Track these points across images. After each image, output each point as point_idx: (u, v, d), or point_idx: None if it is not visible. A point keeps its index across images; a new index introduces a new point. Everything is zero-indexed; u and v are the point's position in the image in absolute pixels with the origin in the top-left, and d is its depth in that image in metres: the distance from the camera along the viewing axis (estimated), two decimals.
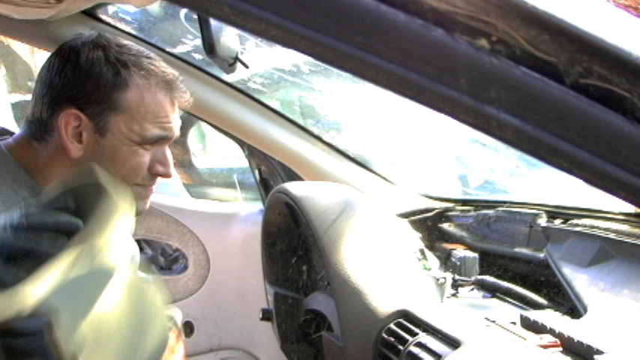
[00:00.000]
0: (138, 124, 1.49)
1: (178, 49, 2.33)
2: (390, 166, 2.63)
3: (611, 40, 0.57)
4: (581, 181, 0.60)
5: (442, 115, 0.60)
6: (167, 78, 1.48)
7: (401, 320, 1.41)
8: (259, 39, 1.36)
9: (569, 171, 0.59)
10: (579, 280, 1.57)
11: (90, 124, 1.47)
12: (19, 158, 1.51)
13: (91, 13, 1.92)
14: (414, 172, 2.76)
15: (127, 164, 1.51)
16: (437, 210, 2.27)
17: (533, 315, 1.40)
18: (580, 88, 0.56)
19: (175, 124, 1.55)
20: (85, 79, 1.45)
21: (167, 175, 1.59)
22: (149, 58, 1.50)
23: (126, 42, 1.51)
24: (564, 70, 0.56)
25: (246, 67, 1.33)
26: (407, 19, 0.56)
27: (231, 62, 1.31)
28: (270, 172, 2.48)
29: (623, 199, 0.61)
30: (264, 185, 2.53)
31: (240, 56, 1.31)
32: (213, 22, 1.22)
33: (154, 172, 1.56)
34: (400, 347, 1.36)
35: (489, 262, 1.90)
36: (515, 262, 1.87)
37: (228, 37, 1.25)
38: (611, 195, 0.61)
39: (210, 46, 1.21)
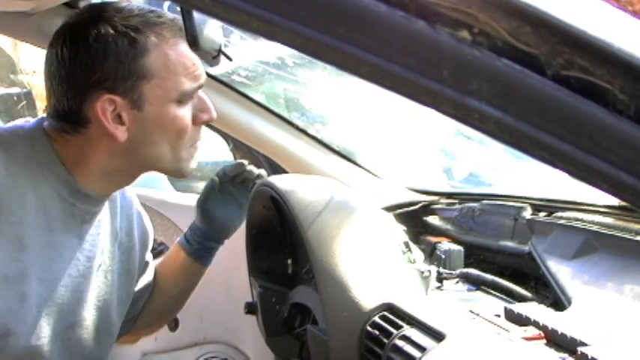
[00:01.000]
0: (172, 82, 1.46)
1: None
2: (375, 159, 2.63)
3: (593, 32, 0.57)
4: (563, 173, 0.60)
5: (424, 107, 0.60)
6: (180, 24, 1.43)
7: (385, 313, 1.41)
8: (243, 31, 1.36)
9: (552, 163, 0.59)
10: (563, 272, 1.57)
11: (125, 102, 1.43)
12: (58, 153, 1.49)
13: (73, 5, 1.91)
14: (398, 165, 2.76)
15: (173, 128, 1.49)
16: (422, 203, 2.27)
17: (518, 307, 1.41)
18: (561, 80, 0.57)
19: (202, 68, 1.53)
20: (103, 59, 1.41)
21: (211, 119, 1.57)
22: (153, 11, 1.47)
23: (122, 4, 1.47)
24: (546, 62, 0.56)
25: (230, 59, 1.33)
26: (388, 11, 0.56)
27: (214, 55, 1.30)
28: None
29: (605, 191, 0.61)
30: None
31: (223, 49, 1.31)
32: (196, 14, 1.22)
33: (198, 123, 1.55)
34: (385, 340, 1.36)
35: (474, 255, 1.91)
36: (500, 254, 1.87)
37: (212, 29, 1.25)
38: (593, 187, 0.61)
39: (193, 38, 1.20)
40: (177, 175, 1.63)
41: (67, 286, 1.53)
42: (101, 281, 1.64)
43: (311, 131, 2.46)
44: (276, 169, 2.39)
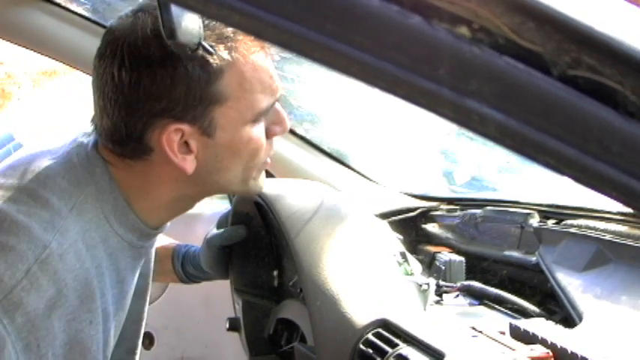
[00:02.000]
0: (247, 102, 1.40)
1: None
2: (369, 161, 2.64)
3: (602, 29, 0.57)
4: (570, 180, 0.61)
5: (420, 108, 0.60)
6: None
7: (380, 330, 1.42)
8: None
9: (557, 169, 0.60)
10: (574, 285, 1.58)
11: (193, 130, 1.37)
12: (118, 183, 1.44)
13: None
14: (395, 168, 2.77)
15: (246, 152, 1.44)
16: (420, 209, 2.28)
17: (524, 324, 1.41)
18: (568, 79, 0.57)
19: (278, 79, 1.48)
20: (171, 87, 1.33)
21: (285, 131, 1.55)
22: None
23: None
24: (551, 61, 0.57)
25: (211, 53, 1.32)
26: (381, 5, 0.56)
27: (194, 48, 1.30)
28: None
29: (615, 200, 0.61)
30: None
31: (203, 42, 1.31)
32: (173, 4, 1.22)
33: (271, 136, 1.51)
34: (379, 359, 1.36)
35: (477, 266, 1.92)
36: (505, 266, 1.88)
37: (191, 20, 1.25)
38: (602, 195, 0.62)
39: (170, 30, 1.20)
40: (247, 194, 1.63)
41: (129, 315, 1.57)
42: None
43: (299, 131, 2.47)
44: None
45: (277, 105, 1.51)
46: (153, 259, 1.68)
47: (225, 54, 1.36)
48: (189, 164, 1.39)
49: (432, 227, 2.23)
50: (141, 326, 1.69)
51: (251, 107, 1.41)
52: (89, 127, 1.48)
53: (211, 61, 1.33)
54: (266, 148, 1.49)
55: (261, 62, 1.42)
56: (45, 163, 1.41)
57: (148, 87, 1.33)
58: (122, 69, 1.34)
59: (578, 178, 0.60)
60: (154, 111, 1.35)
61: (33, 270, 1.26)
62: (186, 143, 1.39)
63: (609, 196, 0.61)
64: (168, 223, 1.60)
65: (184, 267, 1.92)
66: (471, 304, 1.73)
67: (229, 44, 1.36)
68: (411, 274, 1.62)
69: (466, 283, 1.78)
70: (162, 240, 2.00)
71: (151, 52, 1.32)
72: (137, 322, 1.67)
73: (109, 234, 1.41)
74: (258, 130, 1.45)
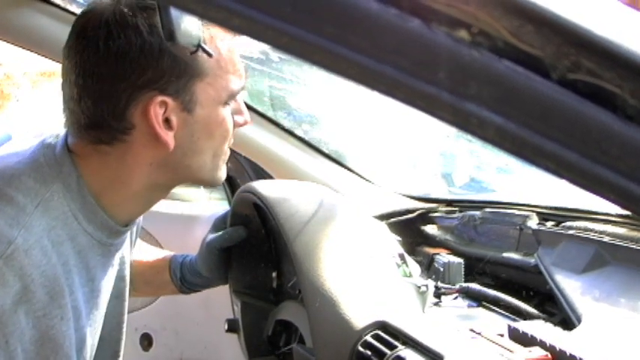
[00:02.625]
0: (223, 80, 1.42)
1: None
2: (367, 163, 2.64)
3: (602, 32, 0.57)
4: (569, 183, 0.61)
5: (419, 111, 0.60)
6: None
7: (378, 332, 1.42)
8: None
9: (557, 173, 0.60)
10: (573, 287, 1.58)
11: (176, 104, 1.38)
12: (88, 178, 1.43)
13: None
14: (393, 169, 2.77)
15: (218, 133, 1.46)
16: (419, 211, 2.28)
17: (523, 326, 1.42)
18: (567, 83, 0.57)
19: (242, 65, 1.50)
20: (159, 56, 1.34)
21: (246, 123, 1.56)
22: None
23: None
24: (550, 64, 0.57)
25: (210, 55, 1.33)
26: (380, 8, 0.56)
27: (193, 50, 1.30)
28: (236, 170, 2.49)
29: (614, 203, 0.61)
30: (230, 184, 2.54)
31: (202, 44, 1.31)
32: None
33: (235, 126, 1.52)
34: None
35: (475, 268, 1.92)
36: (504, 267, 1.88)
37: (190, 22, 1.25)
38: (601, 198, 0.62)
39: (169, 32, 1.20)
40: (212, 184, 1.63)
41: (107, 318, 1.58)
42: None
43: (298, 132, 2.47)
44: (260, 173, 2.40)
45: (239, 96, 1.53)
46: (128, 261, 1.67)
47: (205, 29, 1.37)
48: (170, 140, 1.40)
49: (430, 229, 2.23)
50: (122, 328, 1.68)
51: (225, 87, 1.43)
52: (60, 129, 1.49)
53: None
54: (230, 138, 1.52)
55: (232, 45, 1.45)
56: (11, 163, 1.41)
57: (135, 57, 1.33)
58: (109, 39, 1.34)
59: (576, 182, 0.60)
60: (139, 82, 1.35)
61: None
62: (167, 120, 1.39)
63: (608, 199, 0.61)
64: (139, 219, 1.61)
65: (183, 276, 1.92)
66: (469, 306, 1.73)
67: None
68: (410, 275, 1.62)
69: (465, 284, 1.78)
70: (155, 253, 2.01)
71: (139, 22, 1.33)
72: (118, 324, 1.67)
73: (77, 232, 1.41)
74: (227, 115, 1.47)
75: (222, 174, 1.55)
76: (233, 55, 1.45)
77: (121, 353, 1.69)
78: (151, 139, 1.39)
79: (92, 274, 1.46)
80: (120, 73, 1.35)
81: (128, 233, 1.60)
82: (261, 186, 1.77)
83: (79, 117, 1.41)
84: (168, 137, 1.39)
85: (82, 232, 1.42)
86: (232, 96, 1.46)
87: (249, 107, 2.21)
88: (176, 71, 1.36)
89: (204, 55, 1.36)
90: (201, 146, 1.45)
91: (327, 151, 2.47)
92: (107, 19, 1.34)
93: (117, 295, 1.62)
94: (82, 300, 1.43)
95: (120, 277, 1.61)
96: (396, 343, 1.37)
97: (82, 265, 1.42)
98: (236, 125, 1.52)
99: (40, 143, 1.46)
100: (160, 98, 1.36)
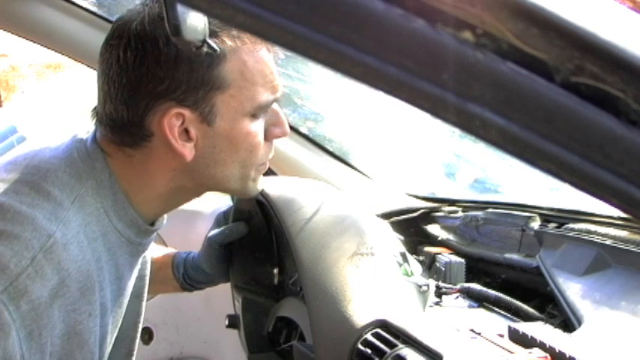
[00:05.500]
0: (248, 92, 1.41)
1: None
2: (371, 161, 2.64)
3: (606, 36, 0.57)
4: (571, 186, 0.61)
5: (422, 112, 0.60)
6: None
7: (379, 330, 1.42)
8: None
9: (558, 175, 0.60)
10: (574, 289, 1.58)
11: (194, 116, 1.38)
12: (117, 175, 1.44)
13: None
14: (397, 168, 2.77)
15: (244, 146, 1.45)
16: (421, 210, 2.28)
17: (523, 327, 1.42)
18: (571, 86, 0.57)
19: (279, 78, 1.49)
20: (174, 67, 1.35)
21: (284, 134, 1.54)
22: None
23: None
24: (554, 67, 0.57)
25: (215, 51, 1.32)
26: (385, 8, 0.56)
27: (198, 45, 1.30)
28: None
29: (615, 207, 0.61)
30: None
31: (208, 39, 1.31)
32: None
33: (270, 138, 1.51)
34: None
35: (477, 268, 1.92)
36: (505, 268, 1.88)
37: (196, 17, 1.25)
38: (602, 202, 0.62)
39: (174, 27, 1.20)
40: (242, 195, 1.63)
41: (126, 317, 1.58)
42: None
43: (302, 129, 2.47)
44: None
45: (277, 107, 1.52)
46: (149, 261, 1.69)
47: (229, 41, 1.38)
48: (187, 151, 1.40)
49: (433, 228, 2.23)
50: (138, 328, 1.70)
51: (251, 99, 1.42)
52: (89, 124, 1.49)
53: (215, 45, 1.32)
54: (264, 149, 1.50)
55: (263, 55, 1.44)
56: (46, 158, 1.42)
57: (152, 67, 1.35)
58: (128, 49, 1.36)
59: (578, 185, 0.60)
60: (156, 92, 1.36)
61: (38, 258, 1.27)
62: (187, 131, 1.39)
63: (610, 203, 0.61)
64: (165, 221, 1.61)
65: (186, 272, 1.92)
66: (470, 306, 1.73)
67: (234, 32, 1.38)
68: (411, 274, 1.63)
69: (466, 285, 1.78)
70: (159, 250, 2.01)
71: (157, 32, 1.34)
72: (135, 323, 1.68)
73: (108, 229, 1.41)
74: (256, 126, 1.45)
75: (254, 186, 1.54)
76: (263, 67, 1.43)
77: (135, 352, 1.70)
78: (170, 147, 1.40)
79: (120, 272, 1.47)
80: (137, 82, 1.36)
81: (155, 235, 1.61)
82: (264, 182, 1.77)
83: (103, 118, 1.43)
84: (185, 149, 1.40)
85: (113, 229, 1.43)
86: (260, 108, 1.44)
87: None
88: (193, 82, 1.36)
89: (226, 68, 1.37)
90: (225, 158, 1.45)
91: (330, 149, 2.47)
92: (129, 30, 1.36)
93: (137, 295, 1.63)
94: (110, 298, 1.43)
95: (140, 277, 1.63)
96: (396, 341, 1.37)
97: (112, 262, 1.43)
98: (273, 136, 1.51)
99: (73, 139, 1.47)
100: (175, 110, 1.37)
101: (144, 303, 1.69)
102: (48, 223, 1.31)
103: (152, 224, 1.53)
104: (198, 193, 1.56)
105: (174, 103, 1.36)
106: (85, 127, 1.50)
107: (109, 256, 1.42)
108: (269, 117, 1.50)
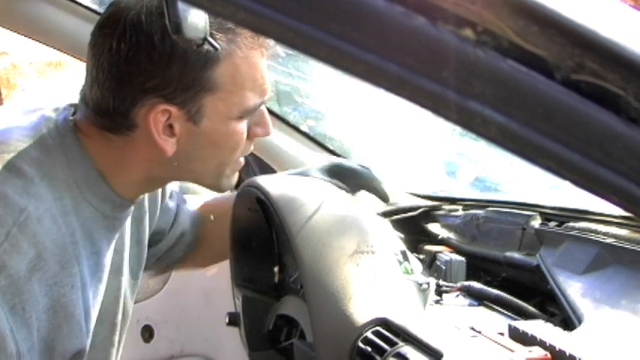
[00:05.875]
0: (237, 97, 1.42)
1: None
2: (372, 159, 2.64)
3: (605, 33, 0.57)
4: (571, 184, 0.61)
5: (423, 109, 0.60)
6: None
7: (379, 329, 1.42)
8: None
9: (558, 173, 0.60)
10: (574, 288, 1.58)
11: (181, 114, 1.40)
12: (91, 153, 1.45)
13: None
14: (398, 166, 2.77)
15: (226, 145, 1.47)
16: (422, 209, 2.28)
17: (523, 325, 1.42)
18: (571, 84, 0.57)
19: (269, 79, 1.49)
20: (167, 65, 1.35)
21: (266, 134, 1.56)
22: None
23: None
24: (554, 65, 0.57)
25: (216, 49, 1.33)
26: (386, 6, 0.56)
27: (199, 43, 1.30)
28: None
29: (616, 205, 0.62)
30: None
31: (209, 37, 1.31)
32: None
33: (252, 137, 1.52)
34: (378, 358, 1.36)
35: (477, 266, 1.92)
36: (506, 267, 1.88)
37: (197, 15, 1.25)
38: (602, 200, 0.62)
39: (175, 25, 1.20)
40: (216, 190, 1.64)
41: (105, 292, 1.59)
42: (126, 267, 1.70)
43: (303, 127, 2.47)
44: (264, 168, 2.40)
45: (263, 107, 1.53)
46: (127, 235, 1.68)
47: (224, 44, 1.38)
48: (169, 147, 1.41)
49: (433, 227, 2.23)
50: (119, 302, 1.68)
51: (239, 103, 1.43)
52: (59, 102, 1.52)
53: (209, 46, 1.33)
54: (244, 147, 1.52)
55: (256, 60, 1.44)
56: (15, 135, 1.42)
57: (144, 62, 1.35)
58: (122, 41, 1.36)
59: (578, 182, 0.60)
60: (145, 87, 1.36)
61: (13, 232, 1.28)
62: (171, 126, 1.40)
63: (610, 201, 0.61)
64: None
65: None
66: (470, 305, 1.72)
67: (229, 36, 1.39)
68: (412, 273, 1.62)
69: (466, 283, 1.77)
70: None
71: (153, 27, 1.34)
72: (115, 298, 1.67)
73: (81, 203, 1.42)
74: (241, 127, 1.47)
75: (228, 182, 1.56)
76: (255, 72, 1.44)
77: (119, 325, 1.69)
78: (152, 141, 1.41)
79: (97, 247, 1.47)
80: (127, 75, 1.37)
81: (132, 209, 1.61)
82: (264, 180, 1.77)
83: (89, 101, 1.44)
84: (167, 144, 1.41)
85: (86, 203, 1.43)
86: (247, 112, 1.46)
87: None
88: (184, 82, 1.37)
89: (218, 70, 1.38)
90: (206, 155, 1.47)
91: (331, 147, 2.47)
92: (125, 19, 1.36)
93: (115, 270, 1.62)
94: (87, 272, 1.44)
95: (117, 251, 1.61)
96: (396, 339, 1.37)
97: (87, 237, 1.44)
98: (255, 135, 1.53)
99: (42, 116, 1.48)
100: (163, 106, 1.37)
101: (123, 278, 1.67)
102: (20, 198, 1.32)
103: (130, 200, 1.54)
104: (169, 182, 1.60)
105: (162, 100, 1.37)
106: (53, 106, 1.51)
107: (84, 231, 1.42)
108: (255, 117, 1.51)
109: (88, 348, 1.46)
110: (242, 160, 1.57)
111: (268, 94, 1.50)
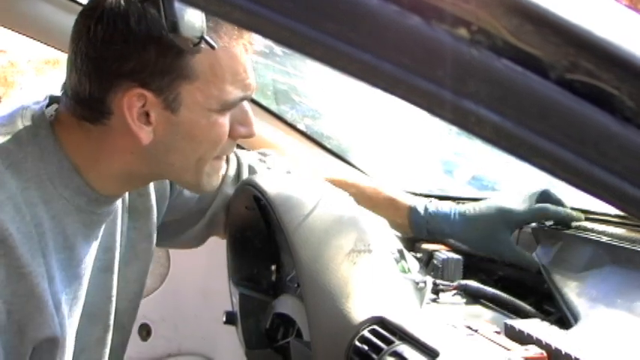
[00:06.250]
0: (216, 88, 1.39)
1: None
2: (369, 158, 2.64)
3: (601, 33, 0.57)
4: (565, 183, 0.61)
5: (418, 109, 0.60)
6: None
7: (376, 327, 1.42)
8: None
9: (553, 172, 0.60)
10: (570, 287, 1.58)
11: (157, 101, 1.37)
12: (67, 146, 1.43)
13: None
14: (395, 165, 2.77)
15: (206, 139, 1.44)
16: None
17: (519, 324, 1.42)
18: (565, 83, 0.57)
19: (253, 76, 1.47)
20: (142, 48, 1.33)
21: (250, 135, 1.52)
22: None
23: None
24: (549, 64, 0.57)
25: (213, 47, 1.32)
26: (381, 5, 0.57)
27: (196, 42, 1.30)
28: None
29: (610, 204, 0.62)
30: None
31: (206, 35, 1.31)
32: None
33: (234, 136, 1.50)
34: (374, 356, 1.36)
35: (474, 265, 1.91)
36: (502, 266, 1.88)
37: (193, 14, 1.25)
38: (597, 199, 0.62)
39: (172, 23, 1.20)
40: (197, 189, 1.62)
41: (93, 291, 1.57)
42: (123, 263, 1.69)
43: (300, 126, 2.47)
44: None
45: (247, 106, 1.51)
46: (118, 232, 1.66)
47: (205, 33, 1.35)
48: (145, 134, 1.39)
49: None
50: (112, 302, 1.67)
51: (218, 95, 1.41)
52: (41, 96, 1.51)
53: None
54: (225, 145, 1.49)
55: (238, 53, 1.42)
56: None
57: (119, 45, 1.33)
58: (99, 23, 1.34)
59: (573, 182, 0.60)
60: (121, 71, 1.35)
61: None
62: (147, 114, 1.38)
63: (604, 200, 0.61)
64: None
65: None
66: (467, 303, 1.73)
67: (210, 24, 1.34)
68: (409, 271, 1.62)
69: (463, 282, 1.77)
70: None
71: (130, 10, 1.33)
72: (108, 298, 1.65)
73: (51, 196, 1.41)
74: (222, 121, 1.44)
75: (209, 181, 1.53)
76: (236, 65, 1.42)
77: (111, 325, 1.68)
78: (128, 129, 1.39)
79: (71, 241, 1.45)
80: (103, 58, 1.35)
81: (118, 204, 1.60)
82: (261, 179, 1.77)
83: (68, 89, 1.43)
84: (142, 131, 1.39)
85: (58, 196, 1.42)
86: (227, 105, 1.43)
87: (252, 100, 2.22)
88: (159, 67, 1.35)
89: (196, 59, 1.36)
90: (184, 147, 1.44)
91: (328, 145, 2.47)
92: (104, 3, 1.35)
93: (105, 269, 1.61)
94: (57, 267, 1.42)
95: (106, 249, 1.60)
96: (392, 338, 1.37)
97: (58, 230, 1.42)
98: (237, 134, 1.50)
99: (20, 107, 1.47)
100: (137, 91, 1.35)
101: (115, 276, 1.66)
102: None
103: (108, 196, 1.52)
104: (151, 180, 1.58)
105: (137, 85, 1.35)
106: (34, 99, 1.51)
107: (54, 224, 1.41)
108: (237, 115, 1.49)
109: (60, 338, 1.44)
110: (223, 160, 1.55)
111: (252, 90, 1.48)
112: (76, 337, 1.53)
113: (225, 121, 1.45)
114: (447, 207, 1.93)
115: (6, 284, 1.31)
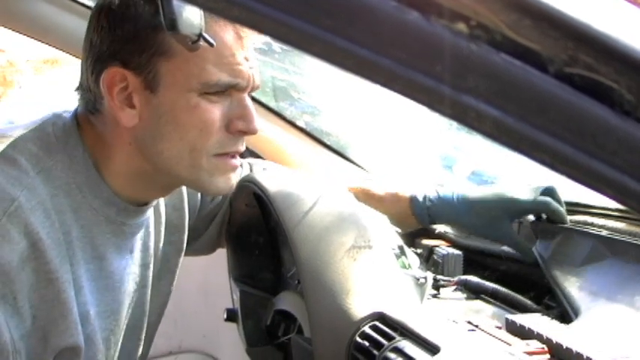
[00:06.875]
0: (195, 67, 1.37)
1: None
2: (368, 154, 2.64)
3: (599, 27, 0.57)
4: (565, 177, 0.61)
5: (417, 104, 0.60)
6: None
7: (376, 323, 1.42)
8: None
9: (552, 166, 0.60)
10: (570, 281, 1.58)
11: (138, 81, 1.37)
12: (90, 150, 1.45)
13: None
14: (395, 161, 2.76)
15: (190, 123, 1.40)
16: None
17: (520, 319, 1.42)
18: (564, 77, 0.57)
19: (248, 68, 1.44)
20: (120, 25, 1.35)
21: (250, 131, 1.47)
22: None
23: None
24: (548, 58, 0.57)
25: (212, 45, 1.32)
26: (379, 0, 0.56)
27: (194, 39, 1.30)
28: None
29: (610, 198, 0.62)
30: None
31: (204, 33, 1.30)
32: None
33: (233, 131, 1.45)
34: (375, 352, 1.36)
35: (474, 260, 1.92)
36: (502, 260, 1.88)
37: (192, 11, 1.24)
38: (597, 193, 0.62)
39: (171, 21, 1.20)
40: (201, 189, 1.62)
41: (130, 306, 1.58)
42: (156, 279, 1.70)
43: (300, 123, 2.46)
44: None
45: (247, 101, 1.47)
46: (154, 247, 1.66)
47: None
48: (127, 116, 1.39)
49: None
50: (145, 316, 1.69)
51: (198, 75, 1.38)
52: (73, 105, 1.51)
53: None
54: (222, 139, 1.45)
55: (223, 33, 1.40)
56: (18, 129, 1.43)
57: (104, 26, 1.37)
58: (92, 18, 1.40)
59: (572, 176, 0.60)
60: (104, 52, 1.38)
61: (2, 222, 1.28)
62: (131, 97, 1.39)
63: (603, 194, 0.61)
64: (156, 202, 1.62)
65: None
66: (468, 299, 1.73)
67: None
68: (409, 267, 1.62)
69: (463, 277, 1.77)
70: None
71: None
72: (142, 312, 1.67)
73: (81, 205, 1.41)
74: (204, 106, 1.41)
75: (211, 181, 1.49)
76: (221, 47, 1.38)
77: (142, 339, 1.71)
78: (114, 112, 1.40)
79: (100, 252, 1.45)
80: (92, 45, 1.39)
81: (151, 216, 1.59)
82: (261, 176, 1.76)
83: (78, 86, 1.47)
84: (124, 112, 1.39)
85: (87, 206, 1.42)
86: (208, 88, 1.40)
87: (251, 98, 2.22)
88: (137, 43, 1.36)
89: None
90: (170, 132, 1.41)
91: (327, 142, 2.47)
92: (97, 8, 1.40)
93: (142, 285, 1.63)
94: (86, 277, 1.42)
95: (142, 265, 1.61)
96: (393, 334, 1.37)
97: (87, 240, 1.42)
98: (235, 129, 1.46)
99: (52, 114, 1.48)
100: (117, 69, 1.36)
101: (148, 291, 1.67)
102: (11, 187, 1.32)
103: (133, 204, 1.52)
104: (160, 182, 1.52)
105: (118, 63, 1.36)
106: (67, 105, 1.51)
107: (83, 233, 1.41)
108: (234, 108, 1.45)
109: (83, 348, 1.43)
110: (231, 162, 1.50)
111: (246, 78, 1.44)
112: (109, 351, 1.52)
113: (210, 107, 1.41)
114: (448, 191, 1.93)
115: (35, 288, 1.31)
